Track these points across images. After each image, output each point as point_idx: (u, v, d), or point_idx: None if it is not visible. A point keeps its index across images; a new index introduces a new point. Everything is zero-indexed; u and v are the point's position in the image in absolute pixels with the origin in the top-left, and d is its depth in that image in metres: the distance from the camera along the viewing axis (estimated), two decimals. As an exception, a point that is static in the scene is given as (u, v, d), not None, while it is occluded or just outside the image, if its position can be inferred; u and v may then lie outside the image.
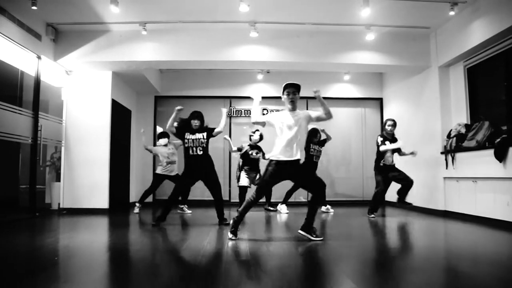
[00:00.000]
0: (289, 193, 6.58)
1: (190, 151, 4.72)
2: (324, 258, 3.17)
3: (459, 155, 5.59)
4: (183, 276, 2.59)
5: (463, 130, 5.58)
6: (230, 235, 3.70)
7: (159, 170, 6.45)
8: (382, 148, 5.65)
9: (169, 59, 6.27)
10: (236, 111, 8.25)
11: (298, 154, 3.66)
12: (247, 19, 5.75)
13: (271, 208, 6.64)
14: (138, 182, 8.10)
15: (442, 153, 5.97)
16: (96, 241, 3.87)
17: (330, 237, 4.15)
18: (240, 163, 6.52)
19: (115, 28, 6.09)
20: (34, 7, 4.98)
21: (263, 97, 8.36)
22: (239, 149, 6.47)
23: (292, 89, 3.73)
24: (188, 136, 4.74)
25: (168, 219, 5.68)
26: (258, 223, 5.25)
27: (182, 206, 6.44)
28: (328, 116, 3.72)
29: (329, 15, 5.75)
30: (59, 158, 6.56)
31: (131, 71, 6.64)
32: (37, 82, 5.63)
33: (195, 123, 4.79)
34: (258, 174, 6.48)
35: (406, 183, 5.56)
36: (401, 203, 5.70)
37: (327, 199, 6.75)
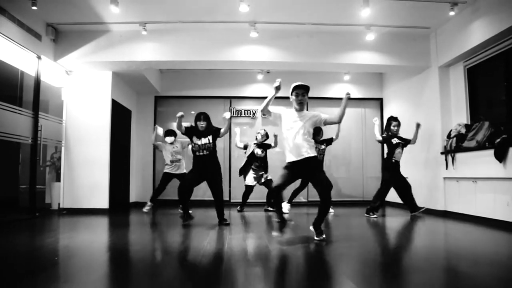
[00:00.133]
0: (295, 193, 6.58)
1: (197, 153, 4.79)
2: (324, 258, 3.17)
3: (459, 155, 5.59)
4: (183, 276, 2.59)
5: (463, 130, 5.58)
6: (275, 233, 3.65)
7: (166, 169, 6.47)
8: (377, 138, 5.92)
9: (169, 59, 6.27)
10: (236, 111, 8.25)
11: (308, 152, 3.60)
12: (247, 19, 5.75)
13: (271, 209, 6.64)
14: (138, 182, 8.11)
15: (442, 153, 5.97)
16: (96, 241, 3.87)
17: (330, 237, 4.15)
18: (246, 160, 6.56)
19: (115, 28, 6.10)
20: (34, 7, 4.98)
21: (263, 97, 8.43)
22: (245, 147, 6.57)
23: (301, 90, 3.70)
24: (195, 140, 4.78)
25: (168, 219, 5.69)
26: (258, 223, 5.25)
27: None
28: (340, 120, 3.76)
29: (329, 15, 5.76)
30: (59, 158, 6.56)
31: (131, 71, 6.65)
32: (37, 82, 5.63)
33: (201, 124, 4.79)
34: (265, 173, 6.56)
35: (406, 188, 5.76)
36: (414, 210, 5.82)
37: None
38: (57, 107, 6.52)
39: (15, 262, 2.97)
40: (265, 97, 8.72)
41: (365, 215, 5.80)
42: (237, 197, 7.88)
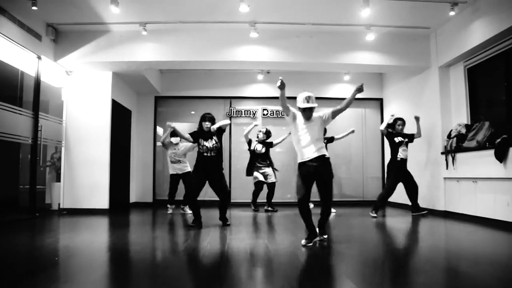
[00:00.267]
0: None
1: (205, 154, 4.75)
2: (324, 258, 3.17)
3: (460, 156, 5.58)
4: (183, 277, 2.58)
5: (463, 131, 5.57)
6: (304, 242, 3.53)
7: (171, 171, 6.49)
8: (381, 127, 6.02)
9: (169, 60, 6.27)
10: (236, 111, 8.25)
11: (318, 153, 3.57)
12: (247, 19, 5.75)
13: (271, 209, 6.65)
14: (138, 183, 8.10)
15: (442, 153, 5.97)
16: (96, 241, 3.87)
17: (331, 237, 4.15)
18: (249, 159, 6.65)
19: (115, 29, 6.10)
20: (34, 8, 4.98)
21: (263, 98, 8.44)
22: (249, 142, 6.63)
23: (311, 99, 3.67)
24: (202, 142, 4.76)
25: (168, 220, 5.69)
26: (259, 223, 5.25)
27: (183, 206, 6.44)
28: (345, 107, 3.72)
29: (329, 15, 5.75)
30: (59, 158, 6.55)
31: (131, 71, 6.64)
32: (37, 83, 5.63)
33: (206, 124, 4.78)
34: (271, 168, 6.67)
35: (412, 187, 5.79)
36: (416, 211, 5.84)
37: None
38: (57, 107, 6.52)
39: (15, 262, 2.97)
40: (265, 97, 8.75)
41: (370, 213, 5.82)
42: (237, 197, 7.87)
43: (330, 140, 6.53)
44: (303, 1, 5.33)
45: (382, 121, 8.35)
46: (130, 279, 2.59)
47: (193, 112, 8.60)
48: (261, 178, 6.60)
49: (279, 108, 8.29)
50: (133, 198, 7.86)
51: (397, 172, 5.81)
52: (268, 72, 8.17)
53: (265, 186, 6.72)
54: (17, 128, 5.20)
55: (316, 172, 3.56)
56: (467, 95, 5.87)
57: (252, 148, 6.66)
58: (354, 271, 2.80)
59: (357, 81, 8.27)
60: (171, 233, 4.58)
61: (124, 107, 7.34)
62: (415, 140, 6.04)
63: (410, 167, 6.00)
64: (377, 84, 8.48)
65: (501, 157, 4.64)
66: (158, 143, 8.32)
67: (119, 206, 6.93)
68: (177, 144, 6.44)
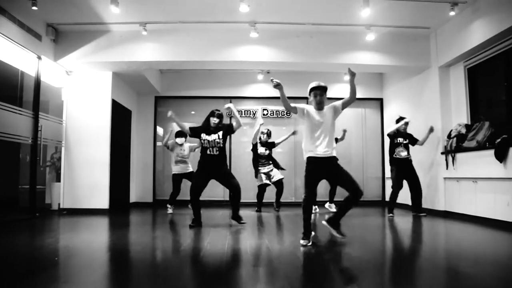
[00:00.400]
0: (332, 192, 6.64)
1: (208, 151, 4.68)
2: (324, 258, 3.17)
3: (460, 156, 5.58)
4: (183, 277, 2.58)
5: (463, 131, 5.58)
6: (302, 242, 3.49)
7: (174, 170, 6.48)
8: (389, 131, 6.01)
9: (169, 60, 6.27)
10: (236, 111, 8.23)
11: (330, 151, 3.55)
12: (247, 19, 5.75)
13: (276, 209, 6.66)
14: (138, 183, 8.10)
15: (442, 153, 5.97)
16: (96, 241, 3.87)
17: (330, 237, 4.15)
18: (254, 161, 6.64)
19: (115, 29, 6.10)
20: (34, 8, 4.99)
21: (263, 98, 8.43)
22: (255, 145, 6.61)
23: (319, 91, 3.64)
24: (205, 136, 4.69)
25: (168, 220, 5.69)
26: (259, 223, 5.24)
27: (169, 205, 6.45)
28: (352, 98, 3.61)
29: (329, 15, 5.75)
30: (59, 159, 6.56)
31: (131, 71, 6.65)
32: (37, 83, 5.63)
33: (214, 120, 4.71)
34: (274, 168, 6.65)
35: (415, 189, 5.83)
36: (417, 211, 5.87)
37: (326, 198, 6.78)
38: (57, 107, 6.52)
39: (15, 262, 2.97)
40: (265, 97, 8.76)
41: (389, 215, 5.85)
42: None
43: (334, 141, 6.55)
44: (303, 1, 5.33)
45: (382, 121, 8.36)
46: (130, 279, 2.59)
47: (193, 112, 8.60)
48: (264, 181, 6.57)
49: (279, 108, 8.37)
50: (133, 198, 7.87)
51: (398, 169, 5.83)
52: (268, 72, 8.17)
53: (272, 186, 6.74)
54: (17, 128, 5.20)
55: (326, 170, 3.56)
56: (467, 95, 5.87)
57: (255, 149, 6.63)
58: (354, 271, 2.80)
59: (357, 81, 8.28)
60: (171, 233, 4.58)
61: (124, 107, 7.34)
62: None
63: (410, 167, 6.01)
64: (377, 84, 8.48)
65: (501, 157, 4.64)
66: (159, 143, 8.33)
67: (119, 206, 6.93)
68: (182, 144, 6.44)
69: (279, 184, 6.65)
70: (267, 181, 6.57)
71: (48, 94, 6.25)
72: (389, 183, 7.77)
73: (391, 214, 5.81)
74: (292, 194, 8.04)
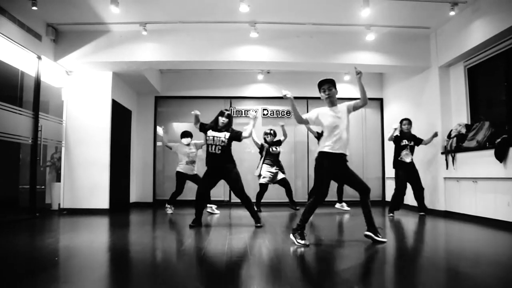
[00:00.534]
0: (340, 191, 6.69)
1: (210, 149, 4.66)
2: (324, 258, 3.17)
3: (460, 155, 5.58)
4: (183, 277, 2.58)
5: (463, 130, 5.57)
6: (300, 241, 3.43)
7: (179, 168, 6.45)
8: (388, 137, 6.02)
9: (169, 60, 6.27)
10: (236, 111, 8.25)
11: (344, 149, 3.54)
12: (247, 19, 5.75)
13: (294, 207, 6.68)
14: (138, 183, 8.10)
15: (442, 153, 5.97)
16: (96, 241, 3.87)
17: (330, 237, 4.15)
18: (262, 158, 6.67)
19: (116, 29, 6.10)
20: (34, 8, 4.99)
21: (263, 98, 8.44)
22: (261, 147, 6.65)
23: (327, 85, 3.61)
24: (210, 133, 4.68)
25: (168, 220, 5.69)
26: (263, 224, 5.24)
27: (210, 206, 6.37)
28: (364, 101, 3.58)
29: (329, 16, 5.75)
30: (59, 159, 6.56)
31: (131, 71, 6.64)
32: (37, 83, 5.63)
33: (222, 120, 4.70)
34: (280, 170, 6.67)
35: (417, 188, 5.86)
36: (421, 210, 5.91)
37: (326, 199, 6.78)
38: (57, 108, 6.52)
39: (15, 262, 2.97)
40: (265, 97, 8.73)
41: (389, 215, 5.86)
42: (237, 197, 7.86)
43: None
44: (303, 1, 5.33)
45: (382, 121, 8.36)
46: (130, 279, 2.59)
47: (193, 112, 8.59)
48: (267, 179, 6.58)
49: (279, 108, 8.38)
50: (133, 198, 7.87)
51: (402, 172, 5.84)
52: (268, 72, 8.18)
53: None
54: (17, 128, 5.20)
55: (338, 167, 3.56)
56: (467, 95, 5.87)
57: (265, 152, 6.64)
58: (354, 271, 2.80)
59: (357, 81, 8.30)
60: (171, 233, 4.58)
61: (124, 107, 7.34)
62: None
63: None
64: (377, 84, 8.48)
65: (501, 157, 4.64)
66: (159, 143, 8.33)
67: (119, 206, 6.93)
68: (188, 144, 6.42)
69: (284, 183, 6.66)
70: (270, 182, 6.59)
71: (48, 94, 6.25)
72: (389, 183, 7.78)
73: (391, 214, 5.80)
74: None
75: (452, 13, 5.26)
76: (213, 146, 4.64)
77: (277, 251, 3.28)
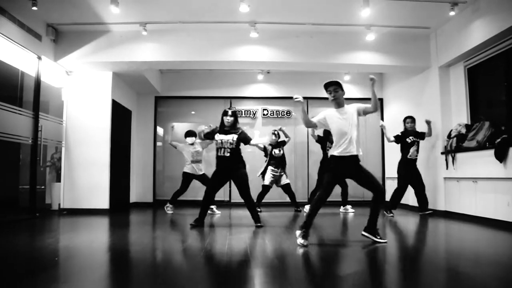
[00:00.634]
0: (344, 194, 6.63)
1: (219, 152, 4.66)
2: (324, 258, 3.17)
3: (460, 155, 5.58)
4: (183, 277, 2.58)
5: (463, 130, 5.58)
6: (301, 241, 3.45)
7: (186, 169, 6.44)
8: (390, 138, 6.07)
9: (170, 60, 6.27)
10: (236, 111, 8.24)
11: (353, 150, 3.53)
12: (247, 19, 5.75)
13: (297, 209, 6.69)
14: (138, 183, 8.10)
15: (442, 153, 5.97)
16: (96, 241, 3.87)
17: (330, 237, 4.15)
18: (267, 161, 6.68)
19: (116, 29, 6.10)
20: (34, 8, 4.99)
21: (263, 98, 8.44)
22: (265, 150, 6.65)
23: (333, 87, 3.62)
24: (218, 137, 4.68)
25: (169, 220, 5.69)
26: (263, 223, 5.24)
27: (212, 207, 6.39)
28: (375, 108, 3.57)
29: (329, 16, 5.75)
30: (60, 159, 6.56)
31: (131, 71, 6.65)
32: (38, 83, 5.63)
33: (228, 119, 4.69)
34: (284, 173, 6.67)
35: (419, 188, 5.89)
36: (422, 210, 5.92)
37: (330, 199, 6.79)
38: (57, 108, 6.52)
39: (15, 262, 2.97)
40: (265, 97, 8.72)
41: (385, 213, 5.86)
42: (237, 197, 7.85)
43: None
44: (303, 1, 5.33)
45: (382, 121, 8.35)
46: (130, 279, 2.59)
47: (193, 112, 8.61)
48: (269, 181, 6.59)
49: (279, 108, 8.37)
50: (133, 198, 7.87)
51: (406, 172, 5.87)
52: (268, 72, 8.18)
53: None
54: (17, 128, 5.20)
55: (348, 170, 3.56)
56: (467, 95, 5.87)
57: (269, 154, 6.65)
58: (354, 271, 2.80)
59: (357, 81, 8.33)
60: (171, 233, 4.58)
61: (124, 107, 7.34)
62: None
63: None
64: (377, 84, 8.46)
65: (501, 157, 4.64)
66: (159, 143, 8.34)
67: (119, 206, 6.93)
68: (192, 144, 6.41)
69: (287, 189, 6.67)
70: (273, 184, 6.60)
71: (48, 94, 6.25)
72: (389, 183, 7.78)
73: (391, 214, 5.80)
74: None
75: (452, 13, 5.26)
76: (222, 150, 4.63)
77: (277, 251, 3.28)
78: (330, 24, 5.99)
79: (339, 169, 3.58)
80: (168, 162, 8.31)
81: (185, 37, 6.18)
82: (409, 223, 5.34)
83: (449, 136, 5.81)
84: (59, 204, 6.34)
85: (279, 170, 6.61)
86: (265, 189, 6.64)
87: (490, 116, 5.31)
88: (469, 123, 5.72)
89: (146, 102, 8.27)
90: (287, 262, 2.98)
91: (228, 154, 4.61)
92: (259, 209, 6.54)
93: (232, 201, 8.00)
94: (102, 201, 6.33)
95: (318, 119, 3.72)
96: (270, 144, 6.67)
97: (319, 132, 6.25)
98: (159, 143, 8.38)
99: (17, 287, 2.26)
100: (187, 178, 6.40)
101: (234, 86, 8.31)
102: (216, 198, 7.92)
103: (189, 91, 8.28)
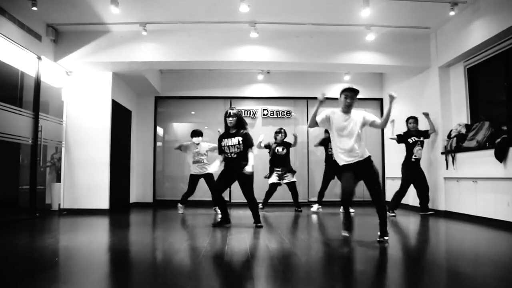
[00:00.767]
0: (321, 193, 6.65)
1: (227, 156, 4.69)
2: (324, 258, 3.17)
3: (460, 155, 5.58)
4: (184, 277, 2.58)
5: (463, 130, 5.58)
6: (343, 232, 3.75)
7: (191, 171, 6.42)
8: (390, 136, 6.20)
9: (170, 60, 6.27)
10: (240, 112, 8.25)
11: (360, 155, 3.57)
12: (247, 19, 5.75)
13: (297, 209, 6.68)
14: (138, 183, 8.10)
15: (442, 153, 5.97)
16: (96, 241, 3.87)
17: (330, 237, 4.15)
18: (270, 160, 6.70)
19: (116, 29, 6.10)
20: (34, 8, 4.99)
21: (263, 98, 8.44)
22: (268, 147, 6.67)
23: (352, 93, 3.65)
24: (224, 142, 4.69)
25: (169, 220, 5.69)
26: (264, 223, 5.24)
27: (214, 207, 6.38)
28: (384, 125, 3.65)
29: (329, 16, 5.76)
30: (60, 159, 6.56)
31: (131, 71, 6.65)
32: (38, 83, 5.63)
33: (230, 120, 4.68)
34: (289, 172, 6.66)
35: (423, 189, 5.91)
36: (423, 210, 5.93)
37: (326, 199, 6.80)
38: (57, 108, 6.52)
39: (15, 262, 2.97)
40: (265, 97, 8.72)
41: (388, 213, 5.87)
42: (237, 197, 7.85)
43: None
44: (303, 1, 5.33)
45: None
46: (130, 280, 2.59)
47: (193, 113, 8.61)
48: (275, 180, 6.61)
49: (279, 108, 8.38)
50: (133, 199, 7.87)
51: (410, 172, 5.87)
52: (268, 72, 8.18)
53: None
54: (17, 129, 5.20)
55: (355, 174, 3.61)
56: (467, 95, 5.87)
57: (272, 151, 6.66)
58: (353, 271, 2.80)
59: (357, 81, 8.31)
60: (171, 233, 4.58)
61: (124, 107, 7.34)
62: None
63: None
64: (377, 84, 8.48)
65: (501, 157, 4.64)
66: (159, 144, 8.34)
67: (119, 207, 6.93)
68: (198, 144, 6.40)
69: (292, 188, 6.66)
70: (279, 181, 6.61)
71: (48, 94, 6.24)
72: (389, 183, 7.78)
73: (393, 214, 5.79)
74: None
75: (452, 13, 5.26)
76: (229, 154, 4.66)
77: (278, 251, 3.28)
78: (330, 24, 5.99)
79: (349, 173, 3.64)
80: (168, 162, 8.31)
81: (185, 37, 6.18)
82: (409, 223, 5.34)
83: (449, 136, 5.81)
84: (59, 204, 6.34)
85: (281, 169, 6.62)
86: (272, 187, 6.66)
87: (490, 116, 5.31)
88: (469, 123, 5.72)
89: (146, 102, 8.27)
90: (287, 262, 2.98)
91: (235, 156, 4.64)
92: (262, 207, 6.56)
93: (232, 201, 7.99)
94: (102, 201, 6.33)
95: (321, 117, 3.73)
96: (275, 142, 6.68)
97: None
98: (159, 143, 8.38)
99: (17, 287, 2.26)
100: (193, 179, 6.38)
101: (234, 86, 8.31)
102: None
103: (189, 91, 8.28)
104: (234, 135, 4.67)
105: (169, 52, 6.22)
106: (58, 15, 5.63)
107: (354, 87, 3.67)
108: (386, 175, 8.07)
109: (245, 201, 4.72)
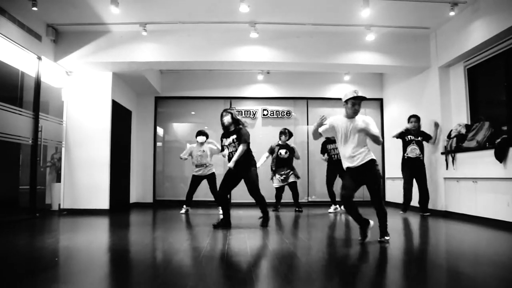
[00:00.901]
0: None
1: (229, 155, 4.73)
2: (324, 258, 3.17)
3: (460, 156, 5.58)
4: (183, 277, 2.58)
5: (463, 131, 5.58)
6: (359, 237, 3.71)
7: (193, 172, 6.44)
8: (393, 135, 6.20)
9: (170, 60, 6.27)
10: (236, 111, 8.22)
11: (362, 159, 3.59)
12: (247, 19, 5.75)
13: (298, 209, 6.68)
14: (138, 183, 8.10)
15: (442, 153, 5.97)
16: (96, 241, 3.87)
17: (330, 237, 4.15)
18: (273, 163, 6.72)
19: (116, 29, 6.10)
20: (34, 8, 4.99)
21: (263, 98, 8.43)
22: (272, 151, 6.69)
23: (359, 101, 3.66)
24: (223, 142, 4.79)
25: (169, 220, 5.69)
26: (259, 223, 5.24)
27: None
28: (377, 142, 3.70)
29: (329, 16, 5.76)
30: (60, 159, 6.56)
31: (131, 72, 6.65)
32: (38, 83, 5.63)
33: (224, 120, 4.75)
34: (291, 171, 6.67)
35: (420, 189, 5.94)
36: (423, 211, 5.95)
37: (326, 199, 6.80)
38: (57, 108, 6.53)
39: (15, 262, 2.97)
40: (265, 98, 8.72)
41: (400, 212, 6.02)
42: (237, 198, 7.85)
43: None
44: (303, 1, 5.33)
45: (382, 121, 8.36)
46: (130, 280, 2.59)
47: (193, 113, 8.61)
48: (277, 183, 6.65)
49: (279, 108, 8.38)
50: (133, 199, 7.86)
51: (407, 170, 5.94)
52: (268, 73, 8.18)
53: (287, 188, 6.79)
54: (17, 129, 5.20)
55: (360, 178, 3.62)
56: (467, 95, 5.87)
57: (275, 154, 6.67)
58: (353, 271, 2.80)
59: (357, 81, 8.32)
60: (171, 234, 4.58)
61: (124, 107, 7.34)
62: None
63: (410, 167, 6.02)
64: (377, 84, 8.48)
65: (501, 157, 4.64)
66: (159, 144, 8.34)
67: (119, 207, 6.93)
68: (202, 144, 6.36)
69: (292, 188, 6.68)
70: (283, 183, 6.63)
71: (48, 94, 6.25)
72: (389, 183, 7.78)
73: (401, 212, 5.97)
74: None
75: (452, 13, 5.26)
76: (230, 153, 4.72)
77: (278, 251, 3.28)
78: (330, 24, 5.99)
79: (353, 176, 3.65)
80: (168, 162, 8.31)
81: (185, 37, 6.19)
82: (409, 223, 5.33)
83: (449, 136, 5.81)
84: (59, 204, 6.34)
85: (285, 169, 6.64)
86: (278, 190, 6.72)
87: (490, 116, 5.31)
88: (469, 123, 5.72)
89: (146, 102, 8.27)
90: (287, 262, 2.98)
91: (234, 153, 4.66)
92: (276, 209, 6.67)
93: (232, 201, 7.99)
94: (102, 201, 6.33)
95: (325, 128, 3.73)
96: (278, 144, 6.68)
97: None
98: (159, 143, 8.38)
99: (17, 287, 2.26)
100: (194, 180, 6.39)
101: (234, 86, 8.31)
102: (213, 198, 7.93)
103: (189, 91, 8.28)
104: (231, 134, 4.72)
105: (169, 52, 6.22)
106: (58, 15, 5.63)
107: (360, 93, 3.67)
108: (386, 175, 8.07)
109: (245, 201, 4.73)
